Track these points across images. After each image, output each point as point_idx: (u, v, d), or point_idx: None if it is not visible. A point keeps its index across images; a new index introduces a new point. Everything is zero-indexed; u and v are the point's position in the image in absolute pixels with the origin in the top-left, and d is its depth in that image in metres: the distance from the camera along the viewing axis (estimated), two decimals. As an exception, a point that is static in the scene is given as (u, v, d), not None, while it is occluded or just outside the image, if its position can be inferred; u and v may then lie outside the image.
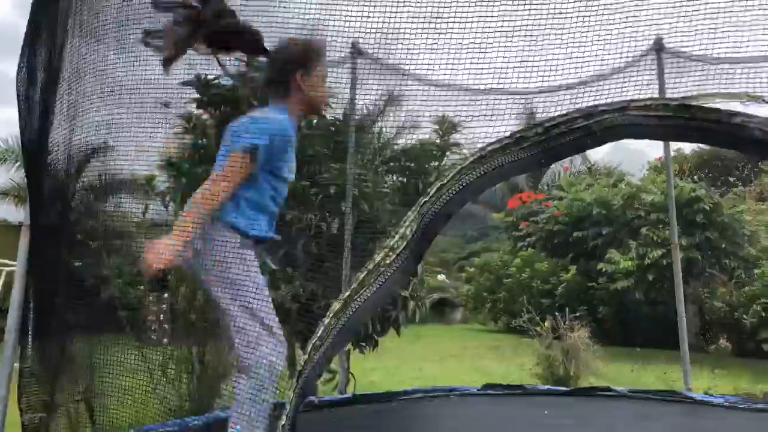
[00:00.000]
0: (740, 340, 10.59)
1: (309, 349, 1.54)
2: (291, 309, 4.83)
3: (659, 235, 10.29)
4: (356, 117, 4.95)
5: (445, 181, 0.79)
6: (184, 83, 3.46)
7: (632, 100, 0.85)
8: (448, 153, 6.42)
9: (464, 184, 0.79)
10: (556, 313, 7.69)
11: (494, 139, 0.83)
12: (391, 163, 6.40)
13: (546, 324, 7.55)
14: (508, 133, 0.83)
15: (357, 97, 4.95)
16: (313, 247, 4.84)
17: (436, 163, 6.38)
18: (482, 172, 0.79)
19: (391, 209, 5.24)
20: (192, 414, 3.53)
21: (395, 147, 6.55)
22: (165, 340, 4.46)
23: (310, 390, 1.69)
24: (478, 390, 4.08)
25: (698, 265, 10.45)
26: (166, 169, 4.51)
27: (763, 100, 1.21)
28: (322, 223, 4.75)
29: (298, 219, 4.92)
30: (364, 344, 5.15)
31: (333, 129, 5.12)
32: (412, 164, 6.18)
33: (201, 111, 4.91)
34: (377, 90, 5.16)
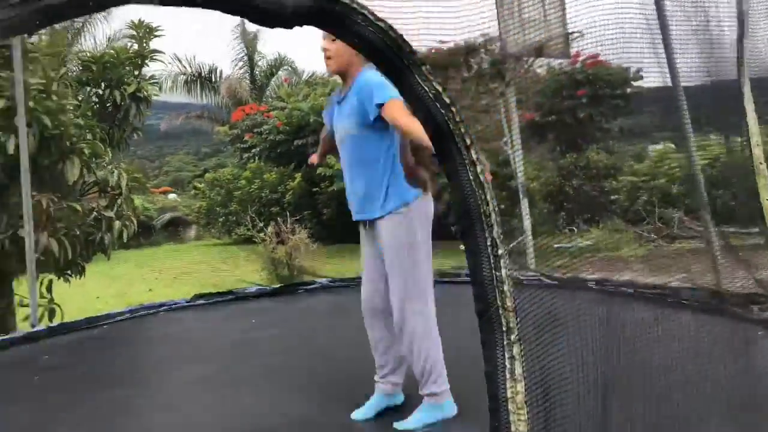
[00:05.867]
0: (435, 226, 12.46)
1: None
2: (-32, 244, 4.22)
3: (369, 138, 11.29)
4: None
5: None
6: None
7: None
8: (148, 61, 6.02)
9: None
10: (278, 219, 8.05)
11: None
12: (85, 74, 5.78)
13: (269, 230, 7.88)
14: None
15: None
16: (-14, 172, 4.21)
17: (137, 72, 5.95)
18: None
19: (83, 124, 4.78)
20: None
21: (85, 55, 5.89)
22: None
23: None
24: (187, 302, 4.08)
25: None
26: None
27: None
28: (-6, 142, 4.12)
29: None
30: (68, 272, 4.77)
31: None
32: (108, 74, 5.67)
33: None
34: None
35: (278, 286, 4.73)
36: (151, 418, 2.28)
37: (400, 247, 2.42)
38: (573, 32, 7.72)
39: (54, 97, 4.48)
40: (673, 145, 10.52)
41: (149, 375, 2.84)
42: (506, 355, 0.84)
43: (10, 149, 4.02)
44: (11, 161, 4.04)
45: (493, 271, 0.86)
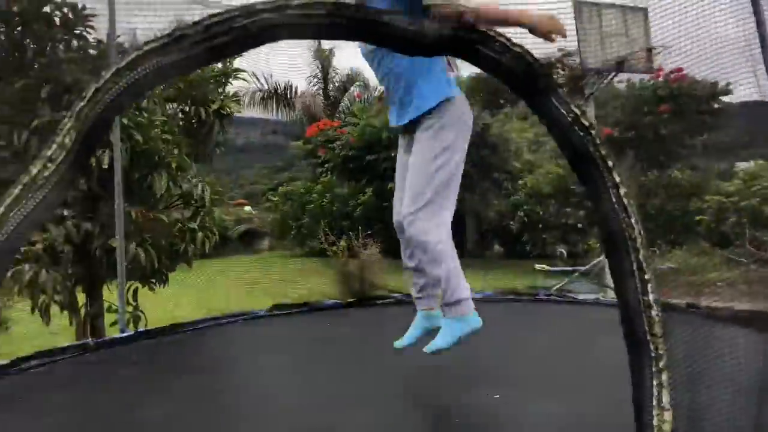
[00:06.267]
0: (509, 244, 12.22)
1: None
2: (64, 251, 4.49)
3: (442, 155, 11.24)
4: (120, 38, 4.53)
5: (101, 83, 0.77)
6: None
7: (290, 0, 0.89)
8: (231, 80, 6.26)
9: (123, 87, 0.79)
10: (350, 233, 8.12)
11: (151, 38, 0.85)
12: (169, 89, 6.07)
13: (342, 244, 7.94)
14: (167, 32, 0.84)
15: (119, 15, 4.50)
16: (82, 184, 4.48)
17: (220, 90, 6.19)
18: (141, 73, 0.80)
19: (171, 139, 5.01)
20: None
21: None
22: None
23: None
24: (265, 312, 4.19)
25: (473, 179, 11.69)
26: None
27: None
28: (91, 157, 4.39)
29: (62, 154, 4.48)
30: (153, 281, 4.99)
31: (95, 52, 4.66)
32: (194, 91, 5.93)
33: None
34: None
35: (353, 299, 4.76)
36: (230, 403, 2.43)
37: (428, 154, 2.30)
38: (657, 46, 7.42)
39: (144, 114, 4.74)
40: (764, 162, 9.88)
41: (231, 377, 2.93)
42: (654, 382, 0.79)
43: (105, 163, 4.26)
44: (105, 174, 4.29)
45: (640, 296, 0.82)
